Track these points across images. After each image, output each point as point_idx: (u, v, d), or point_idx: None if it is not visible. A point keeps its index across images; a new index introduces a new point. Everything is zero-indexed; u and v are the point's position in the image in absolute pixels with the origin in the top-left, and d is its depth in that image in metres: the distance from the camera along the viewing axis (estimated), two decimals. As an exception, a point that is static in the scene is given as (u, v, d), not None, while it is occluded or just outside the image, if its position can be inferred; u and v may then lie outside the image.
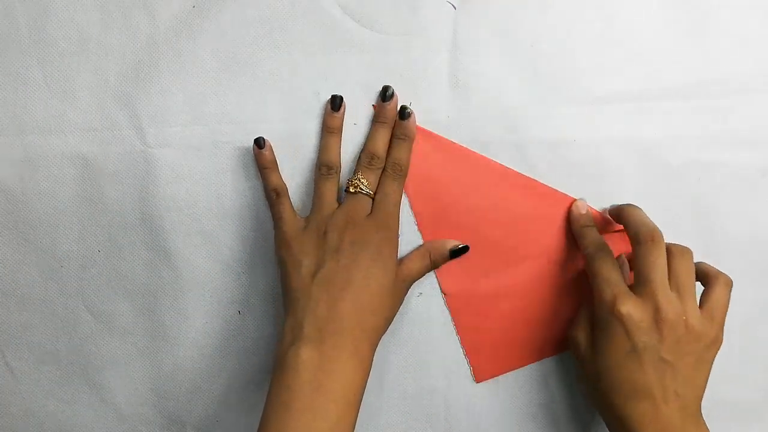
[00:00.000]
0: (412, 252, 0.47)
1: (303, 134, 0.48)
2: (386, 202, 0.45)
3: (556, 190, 0.48)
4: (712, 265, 0.45)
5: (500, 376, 0.50)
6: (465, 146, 0.48)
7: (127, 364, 0.51)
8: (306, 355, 0.39)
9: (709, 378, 0.43)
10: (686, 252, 0.43)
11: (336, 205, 0.46)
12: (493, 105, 0.47)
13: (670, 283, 0.42)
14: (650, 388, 0.41)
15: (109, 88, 0.47)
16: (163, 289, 0.50)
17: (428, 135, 0.47)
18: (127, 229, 0.49)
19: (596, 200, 0.48)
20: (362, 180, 0.45)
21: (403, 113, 0.46)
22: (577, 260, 0.49)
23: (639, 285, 0.42)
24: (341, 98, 0.46)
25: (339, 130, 0.47)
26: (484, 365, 0.50)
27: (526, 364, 0.50)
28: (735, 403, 0.51)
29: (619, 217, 0.46)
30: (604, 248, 0.44)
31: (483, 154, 0.48)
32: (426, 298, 0.49)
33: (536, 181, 0.48)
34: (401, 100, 0.47)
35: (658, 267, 0.41)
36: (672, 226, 0.49)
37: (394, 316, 0.45)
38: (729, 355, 0.49)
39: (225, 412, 0.51)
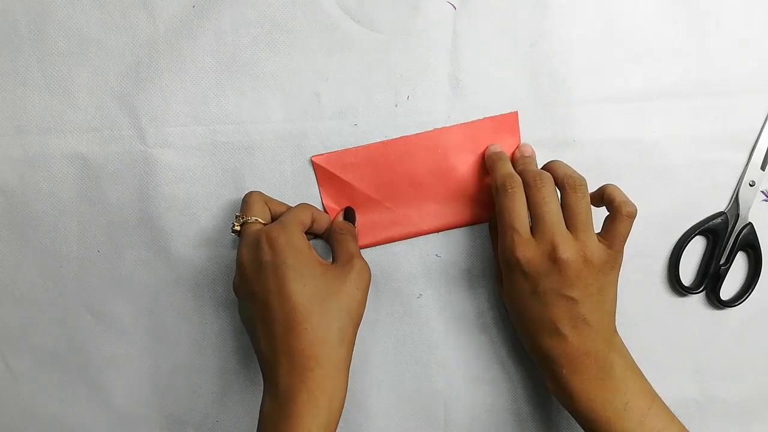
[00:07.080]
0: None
1: (303, 134, 0.48)
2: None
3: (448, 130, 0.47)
4: (621, 191, 0.43)
5: (499, 377, 0.50)
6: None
7: (127, 364, 0.51)
8: None
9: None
10: (579, 185, 0.42)
11: None
12: (493, 105, 0.47)
13: (565, 221, 0.41)
14: (556, 323, 0.41)
15: (109, 88, 0.47)
16: (163, 289, 0.50)
17: (330, 158, 0.48)
18: (127, 229, 0.49)
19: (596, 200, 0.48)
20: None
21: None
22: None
23: (535, 227, 0.42)
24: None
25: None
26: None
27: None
28: (735, 403, 0.51)
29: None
30: (513, 183, 0.42)
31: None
32: (426, 299, 0.49)
33: (431, 131, 0.47)
34: (401, 99, 0.47)
35: (549, 207, 0.41)
36: (672, 225, 0.49)
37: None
38: (728, 355, 0.49)
39: (225, 412, 0.51)
